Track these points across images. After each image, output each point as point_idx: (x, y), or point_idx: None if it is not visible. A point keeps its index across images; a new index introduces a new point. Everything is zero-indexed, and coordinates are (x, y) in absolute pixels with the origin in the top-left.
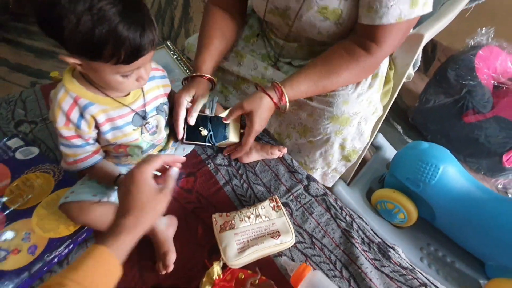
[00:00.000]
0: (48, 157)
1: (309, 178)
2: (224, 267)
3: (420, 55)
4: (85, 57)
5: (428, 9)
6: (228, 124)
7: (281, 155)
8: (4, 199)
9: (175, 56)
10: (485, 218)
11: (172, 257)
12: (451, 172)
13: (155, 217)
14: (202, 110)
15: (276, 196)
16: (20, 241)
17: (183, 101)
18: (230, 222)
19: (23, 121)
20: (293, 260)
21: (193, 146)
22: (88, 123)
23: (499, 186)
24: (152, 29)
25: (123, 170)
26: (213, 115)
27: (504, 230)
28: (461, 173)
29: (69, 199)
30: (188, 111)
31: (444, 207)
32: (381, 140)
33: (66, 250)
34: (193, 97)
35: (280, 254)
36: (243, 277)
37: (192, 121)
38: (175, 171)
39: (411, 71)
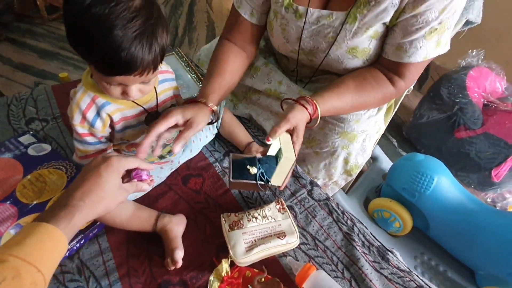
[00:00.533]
0: (60, 154)
1: (312, 183)
2: (232, 265)
3: None
4: (80, 54)
5: (448, 47)
6: (275, 156)
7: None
8: (17, 193)
9: (183, 63)
10: (475, 228)
11: (180, 253)
12: (444, 183)
13: (109, 208)
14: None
15: (282, 199)
16: None
17: (171, 118)
18: (239, 221)
19: (34, 118)
20: (297, 260)
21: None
22: (103, 122)
23: (488, 200)
24: (146, 58)
25: None
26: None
27: (492, 241)
28: (454, 185)
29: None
30: (178, 136)
31: (437, 216)
32: (378, 151)
33: (78, 245)
34: (187, 120)
35: (285, 254)
36: (250, 275)
37: (177, 148)
38: (143, 176)
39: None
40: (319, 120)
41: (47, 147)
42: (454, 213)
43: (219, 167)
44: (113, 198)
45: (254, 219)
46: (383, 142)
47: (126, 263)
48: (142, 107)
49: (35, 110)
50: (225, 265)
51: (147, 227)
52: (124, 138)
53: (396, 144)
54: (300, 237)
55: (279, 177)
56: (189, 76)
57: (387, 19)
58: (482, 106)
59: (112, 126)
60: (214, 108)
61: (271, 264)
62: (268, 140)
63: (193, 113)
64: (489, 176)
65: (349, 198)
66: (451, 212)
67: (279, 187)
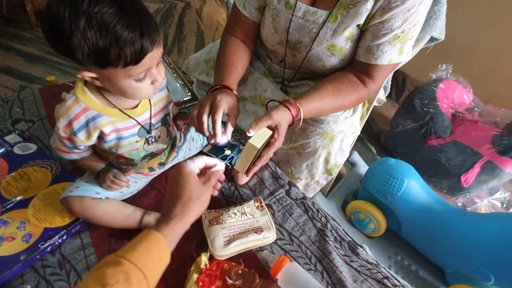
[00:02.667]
0: (45, 154)
1: (290, 184)
2: (210, 258)
3: (390, 83)
4: (96, 66)
5: (409, 57)
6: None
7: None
8: (1, 190)
9: (171, 70)
10: (442, 228)
11: None
12: (414, 186)
13: (202, 207)
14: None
15: (261, 197)
16: (15, 229)
17: (223, 105)
18: (218, 217)
19: (20, 119)
20: (273, 254)
21: (195, 152)
22: (87, 134)
23: (459, 204)
24: (153, 28)
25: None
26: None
27: (457, 239)
28: (423, 187)
29: (73, 193)
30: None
31: (408, 217)
32: (356, 157)
33: (60, 240)
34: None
35: (261, 248)
36: (227, 267)
37: (229, 135)
38: (220, 167)
39: (382, 97)
40: (301, 121)
41: (32, 147)
42: (423, 213)
43: None
44: (199, 196)
45: (233, 215)
46: (363, 149)
47: None
48: (135, 119)
49: (22, 111)
50: (204, 258)
51: (133, 224)
52: (112, 147)
53: (374, 151)
54: (277, 233)
55: (242, 164)
56: (177, 83)
57: (361, 21)
58: (451, 116)
59: (101, 137)
60: (236, 93)
61: (248, 258)
62: (249, 132)
63: (230, 98)
64: (459, 181)
65: (328, 201)
66: (420, 213)
67: (245, 173)
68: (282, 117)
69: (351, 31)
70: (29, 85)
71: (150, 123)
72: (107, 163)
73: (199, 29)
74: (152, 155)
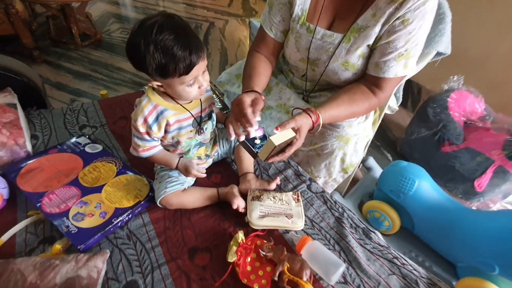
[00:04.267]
0: (110, 152)
1: (311, 180)
2: (246, 236)
3: (401, 93)
4: (161, 77)
5: (414, 72)
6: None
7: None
8: (79, 179)
9: None
10: (452, 225)
11: (242, 203)
12: (425, 186)
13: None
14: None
15: (299, 192)
16: (93, 208)
17: (249, 102)
18: (260, 196)
19: (85, 125)
20: (297, 235)
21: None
22: (159, 126)
23: (473, 208)
24: (198, 47)
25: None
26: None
27: (467, 235)
28: (433, 187)
29: (168, 191)
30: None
31: (420, 215)
32: (372, 162)
33: (127, 218)
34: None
35: (287, 231)
36: (260, 243)
37: (258, 117)
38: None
39: (394, 106)
40: (320, 126)
41: (99, 147)
42: (434, 211)
43: (236, 167)
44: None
45: (272, 198)
46: (379, 156)
47: (164, 233)
48: (190, 112)
49: (86, 118)
50: (240, 235)
51: (214, 200)
52: (175, 137)
53: (391, 158)
54: None
55: (263, 153)
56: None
57: (371, 42)
58: (463, 124)
59: (166, 129)
60: (262, 96)
61: (277, 238)
62: (277, 129)
63: (254, 95)
64: (473, 186)
65: (346, 201)
66: (431, 211)
67: (264, 160)
68: (304, 122)
69: (362, 50)
70: (78, 98)
71: (201, 116)
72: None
73: (222, 46)
74: (201, 144)
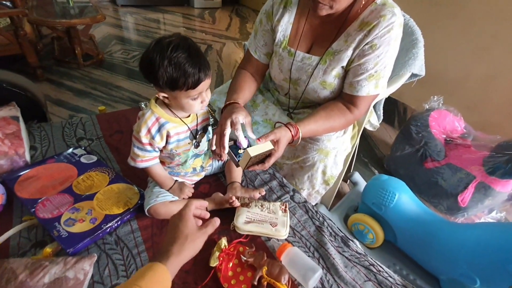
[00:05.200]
0: (104, 163)
1: (294, 191)
2: (229, 242)
3: (382, 111)
4: (169, 89)
5: (385, 91)
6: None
7: (260, 196)
8: (73, 187)
9: None
10: (431, 237)
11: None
12: (404, 198)
13: (195, 249)
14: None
15: (287, 203)
16: (84, 214)
17: (240, 120)
18: (248, 203)
19: (82, 138)
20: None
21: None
22: (161, 136)
23: (451, 221)
24: (206, 66)
25: (175, 178)
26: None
27: (445, 247)
28: (413, 200)
29: (158, 201)
30: (246, 131)
31: (401, 227)
32: (358, 177)
33: (116, 224)
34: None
35: (269, 238)
36: (242, 249)
37: (253, 135)
38: (217, 222)
39: (376, 122)
40: (300, 140)
41: (94, 158)
42: (414, 223)
43: (225, 179)
44: (194, 239)
45: (260, 206)
46: (367, 173)
47: (150, 239)
48: (187, 125)
49: (83, 131)
50: (224, 241)
51: None
52: (173, 149)
53: (377, 174)
54: None
55: (242, 162)
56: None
57: (344, 64)
58: (444, 141)
59: (166, 140)
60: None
61: (259, 245)
62: (258, 141)
63: (244, 112)
64: (456, 201)
65: (331, 214)
66: (411, 223)
67: (243, 168)
68: (283, 134)
69: (337, 71)
70: (77, 114)
71: (197, 129)
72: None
73: (219, 67)
74: (197, 156)
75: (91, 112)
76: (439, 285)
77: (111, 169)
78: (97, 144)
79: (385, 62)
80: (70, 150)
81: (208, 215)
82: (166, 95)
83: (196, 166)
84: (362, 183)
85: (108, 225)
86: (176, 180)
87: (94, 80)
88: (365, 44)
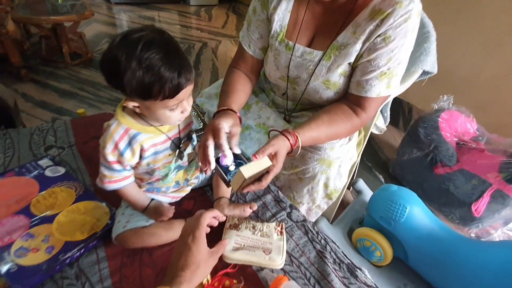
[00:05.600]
0: (72, 176)
1: (292, 207)
2: (212, 275)
3: (389, 113)
4: (140, 98)
5: (397, 91)
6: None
7: (252, 211)
8: (31, 207)
9: None
10: (448, 256)
11: None
12: (417, 212)
13: (204, 275)
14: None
15: (283, 224)
16: (40, 242)
17: (223, 128)
18: (238, 225)
19: (52, 146)
20: (273, 273)
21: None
22: (132, 152)
23: (472, 235)
24: (188, 69)
25: (154, 196)
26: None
27: (465, 268)
28: (426, 213)
29: (128, 227)
30: (230, 143)
31: (413, 245)
32: (362, 185)
33: (78, 253)
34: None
35: (262, 268)
36: (228, 284)
37: (237, 150)
38: (227, 242)
39: (382, 126)
40: (300, 149)
41: (61, 170)
42: (428, 241)
43: (212, 194)
44: (206, 265)
45: (251, 228)
46: (371, 178)
47: (119, 271)
48: (166, 134)
49: (54, 139)
50: None
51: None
52: (151, 163)
53: (383, 180)
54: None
55: (234, 183)
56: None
57: (351, 60)
58: (456, 145)
59: (140, 155)
60: (239, 114)
61: (249, 276)
62: (255, 157)
63: (232, 120)
64: (470, 211)
65: (334, 228)
66: (425, 240)
67: (236, 190)
68: (281, 145)
69: (343, 68)
70: (60, 117)
71: (179, 137)
72: (140, 183)
73: (214, 66)
74: (179, 168)
75: (75, 115)
76: None
77: (80, 184)
78: (68, 153)
79: (399, 58)
80: (35, 161)
81: (223, 218)
82: (136, 105)
83: (179, 180)
84: (366, 191)
85: (67, 255)
86: (152, 199)
87: (81, 80)
88: (377, 36)
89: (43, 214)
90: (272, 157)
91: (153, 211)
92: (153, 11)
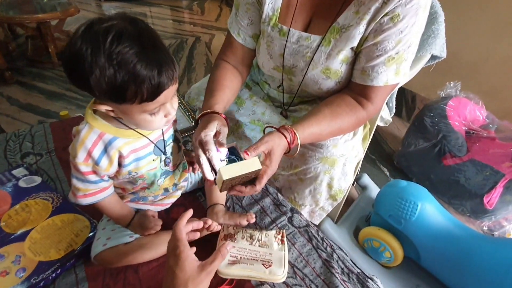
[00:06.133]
0: (49, 186)
1: (293, 210)
2: None
3: (394, 103)
4: (112, 101)
5: (407, 78)
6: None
7: (248, 223)
8: (1, 223)
9: None
10: (464, 256)
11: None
12: (429, 209)
13: None
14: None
15: (284, 231)
16: (10, 264)
17: (210, 139)
18: (234, 235)
19: (29, 153)
20: None
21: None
22: (109, 159)
23: (485, 228)
24: (170, 66)
25: (141, 206)
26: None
27: (484, 268)
28: (439, 211)
29: (108, 246)
30: (217, 144)
31: (425, 244)
32: (367, 180)
33: (54, 275)
34: (216, 132)
35: (263, 283)
36: None
37: (224, 152)
38: (228, 247)
39: (388, 117)
40: (299, 148)
41: (37, 179)
42: (442, 239)
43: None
44: (197, 282)
45: (248, 238)
46: (375, 171)
47: None
48: (147, 138)
49: (31, 145)
50: None
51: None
52: (133, 171)
53: (387, 173)
54: None
55: (218, 182)
56: (181, 111)
57: (355, 44)
58: (465, 134)
59: (120, 162)
60: (224, 115)
61: None
62: (247, 154)
63: (216, 122)
64: (482, 203)
65: (339, 228)
66: (439, 239)
67: (220, 191)
68: (277, 143)
69: (345, 54)
70: (47, 120)
71: (163, 139)
72: (122, 193)
73: (208, 60)
74: (167, 173)
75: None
76: None
77: (57, 194)
78: (46, 160)
79: (410, 40)
80: (8, 171)
81: (217, 227)
82: (109, 108)
83: (167, 187)
84: (372, 187)
85: (40, 278)
86: (136, 211)
87: (69, 81)
88: (383, 15)
89: (15, 232)
90: (266, 156)
91: (138, 225)
92: (144, 6)
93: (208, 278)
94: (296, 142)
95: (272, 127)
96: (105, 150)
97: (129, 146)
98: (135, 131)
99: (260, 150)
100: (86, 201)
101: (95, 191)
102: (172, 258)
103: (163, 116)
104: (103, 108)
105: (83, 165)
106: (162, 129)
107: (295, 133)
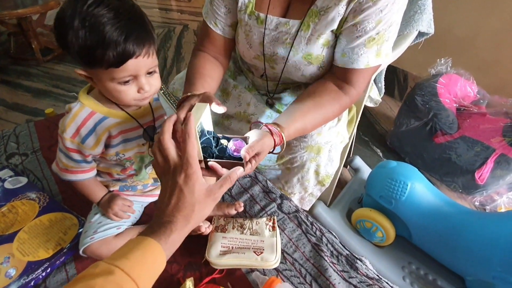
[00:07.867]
0: (36, 186)
1: (282, 197)
2: (196, 283)
3: (383, 83)
4: (85, 65)
5: (389, 59)
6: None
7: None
8: None
9: (161, 91)
10: (455, 232)
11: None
12: (419, 188)
13: (201, 218)
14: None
15: (275, 217)
16: None
17: (187, 105)
18: (224, 226)
19: (14, 153)
20: (264, 275)
21: None
22: (96, 139)
23: (477, 203)
24: (141, 36)
25: (131, 198)
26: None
27: (473, 243)
28: (429, 189)
29: (96, 239)
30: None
31: (416, 223)
32: (359, 162)
33: (44, 274)
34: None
35: (252, 270)
36: None
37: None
38: (240, 171)
39: (377, 97)
40: (284, 146)
41: (23, 180)
42: (432, 217)
43: None
44: (204, 206)
45: (239, 228)
46: (368, 153)
47: None
48: (137, 121)
49: (16, 145)
50: (188, 283)
51: None
52: (120, 152)
53: (381, 154)
54: None
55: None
56: (168, 103)
57: (334, 26)
58: (456, 111)
59: (108, 143)
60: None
61: (238, 280)
62: (238, 152)
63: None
64: (473, 179)
65: (331, 211)
66: (429, 217)
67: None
68: (267, 144)
69: (325, 37)
70: (35, 118)
71: (154, 125)
72: (110, 180)
73: None
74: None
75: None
76: (464, 284)
77: (43, 194)
78: (32, 160)
79: (390, 19)
80: None
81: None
82: (84, 73)
83: (156, 176)
84: (364, 168)
85: (31, 277)
86: (109, 192)
87: (55, 77)
88: None
89: (2, 234)
90: (254, 156)
91: (107, 204)
92: None
93: (213, 204)
94: (282, 142)
95: (260, 123)
96: (94, 128)
97: (119, 126)
98: (126, 112)
99: (255, 151)
100: (66, 176)
101: (76, 170)
102: (182, 176)
103: (136, 90)
104: (82, 73)
105: (69, 141)
106: (153, 116)
107: (281, 135)
